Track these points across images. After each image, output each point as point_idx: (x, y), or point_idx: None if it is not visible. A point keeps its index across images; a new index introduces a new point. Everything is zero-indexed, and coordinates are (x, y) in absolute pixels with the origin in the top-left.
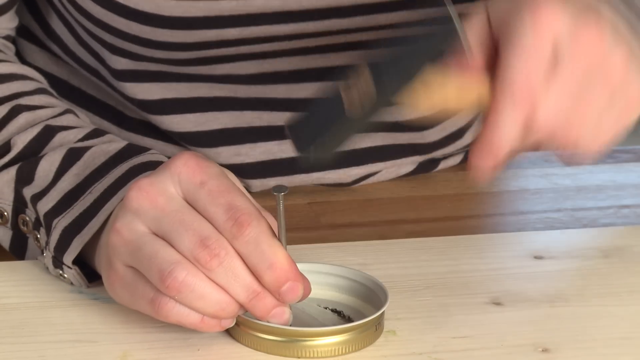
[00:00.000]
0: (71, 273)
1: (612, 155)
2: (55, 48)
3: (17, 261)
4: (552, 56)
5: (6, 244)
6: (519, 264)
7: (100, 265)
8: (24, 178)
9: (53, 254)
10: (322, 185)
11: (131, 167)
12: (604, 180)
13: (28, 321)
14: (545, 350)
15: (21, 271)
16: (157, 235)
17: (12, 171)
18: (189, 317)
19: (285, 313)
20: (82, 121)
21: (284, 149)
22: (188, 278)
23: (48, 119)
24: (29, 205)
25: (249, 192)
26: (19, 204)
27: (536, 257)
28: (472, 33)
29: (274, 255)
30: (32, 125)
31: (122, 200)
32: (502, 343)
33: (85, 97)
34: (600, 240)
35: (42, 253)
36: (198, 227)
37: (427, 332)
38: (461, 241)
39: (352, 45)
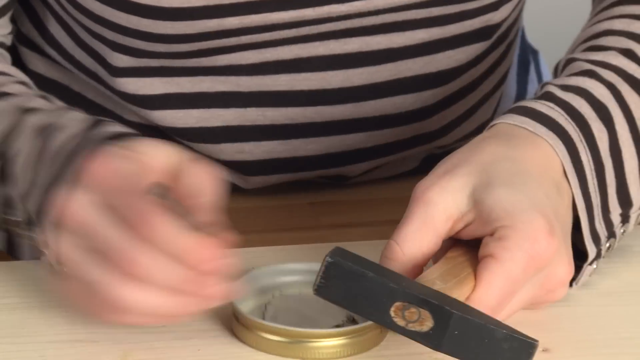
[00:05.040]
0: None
1: None
2: (53, 53)
3: (17, 261)
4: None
5: (2, 246)
6: None
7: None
8: (7, 180)
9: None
10: (325, 178)
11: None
12: None
13: (28, 321)
14: (545, 350)
15: (21, 271)
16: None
17: None
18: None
19: (223, 289)
20: (52, 104)
21: (287, 148)
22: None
23: (18, 104)
24: (19, 206)
25: (247, 189)
26: (6, 208)
27: None
28: (455, 196)
29: (184, 243)
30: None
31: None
32: None
33: (86, 102)
34: None
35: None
36: (119, 241)
37: None
38: None
39: (352, 32)
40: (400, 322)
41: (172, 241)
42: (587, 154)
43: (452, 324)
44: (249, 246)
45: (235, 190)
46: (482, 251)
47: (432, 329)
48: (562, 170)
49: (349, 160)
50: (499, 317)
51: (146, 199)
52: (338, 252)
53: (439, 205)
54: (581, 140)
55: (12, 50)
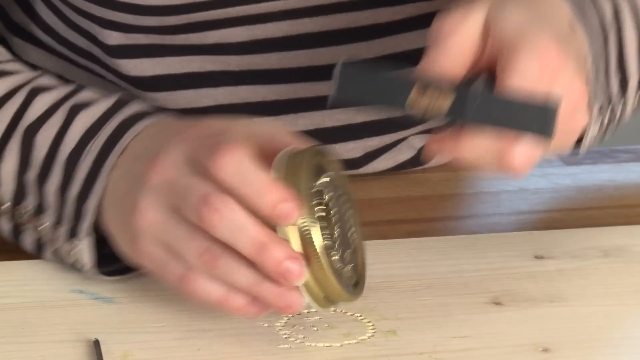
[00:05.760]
0: (86, 245)
1: (612, 155)
2: (47, 39)
3: (17, 261)
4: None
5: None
6: (519, 264)
7: (115, 228)
8: (25, 163)
9: (71, 224)
10: None
11: (122, 121)
12: (604, 180)
13: (28, 321)
14: (545, 350)
15: (21, 271)
16: (174, 208)
17: (13, 157)
18: (213, 293)
19: (300, 269)
20: (57, 82)
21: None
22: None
23: (26, 83)
24: (32, 190)
25: None
26: (20, 194)
27: (536, 257)
28: (469, 32)
29: (261, 181)
30: (16, 92)
31: (139, 179)
32: (502, 343)
33: None
34: (600, 240)
35: (41, 243)
36: (198, 187)
37: (427, 332)
38: (461, 241)
39: (340, 7)
40: (421, 103)
41: (251, 179)
42: (594, 15)
43: (471, 97)
44: None
45: None
46: (498, 70)
47: (451, 106)
48: (571, 20)
49: (341, 137)
50: None
51: (234, 132)
52: (349, 58)
53: (461, 33)
54: (588, 3)
55: (4, 42)
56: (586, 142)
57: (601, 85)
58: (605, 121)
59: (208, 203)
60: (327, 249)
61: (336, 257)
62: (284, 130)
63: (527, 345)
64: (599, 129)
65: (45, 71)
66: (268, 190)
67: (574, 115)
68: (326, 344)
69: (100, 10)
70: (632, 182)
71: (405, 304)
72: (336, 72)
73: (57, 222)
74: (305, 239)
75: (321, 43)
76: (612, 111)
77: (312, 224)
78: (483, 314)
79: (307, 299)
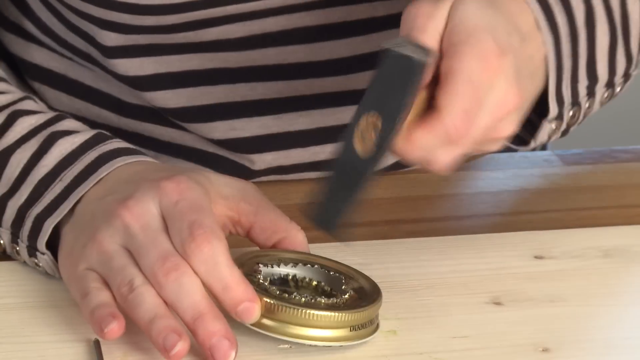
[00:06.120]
0: (44, 259)
1: (612, 155)
2: (47, 41)
3: (17, 261)
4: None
5: None
6: (519, 264)
7: (65, 251)
8: None
9: (27, 243)
10: (319, 162)
11: (100, 154)
12: (604, 180)
13: (28, 321)
14: (545, 350)
15: (21, 271)
16: (129, 250)
17: None
18: (150, 309)
19: (228, 350)
20: (41, 106)
21: (278, 123)
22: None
23: (8, 105)
24: None
25: (251, 169)
26: None
27: (536, 257)
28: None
29: (231, 276)
30: None
31: (107, 213)
32: (502, 343)
33: (84, 88)
34: (600, 240)
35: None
36: (162, 246)
37: (427, 332)
38: (461, 241)
39: (336, 0)
40: (359, 130)
41: (221, 269)
42: (563, 18)
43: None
44: (248, 246)
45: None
46: (442, 68)
47: (366, 159)
48: (535, 22)
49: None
50: (470, 132)
51: (215, 221)
52: (421, 54)
53: (428, 31)
54: (557, 3)
55: (3, 45)
56: (539, 138)
57: (566, 85)
58: (566, 118)
59: (167, 261)
60: (308, 302)
61: (323, 301)
62: (251, 194)
63: (527, 345)
64: (561, 126)
65: (30, 95)
66: (234, 287)
67: (498, 126)
68: (326, 344)
69: (99, 10)
70: (632, 182)
71: (405, 304)
72: (397, 45)
73: (14, 240)
74: (288, 312)
75: (318, 37)
76: (576, 112)
77: (286, 301)
78: (483, 314)
79: (346, 343)
